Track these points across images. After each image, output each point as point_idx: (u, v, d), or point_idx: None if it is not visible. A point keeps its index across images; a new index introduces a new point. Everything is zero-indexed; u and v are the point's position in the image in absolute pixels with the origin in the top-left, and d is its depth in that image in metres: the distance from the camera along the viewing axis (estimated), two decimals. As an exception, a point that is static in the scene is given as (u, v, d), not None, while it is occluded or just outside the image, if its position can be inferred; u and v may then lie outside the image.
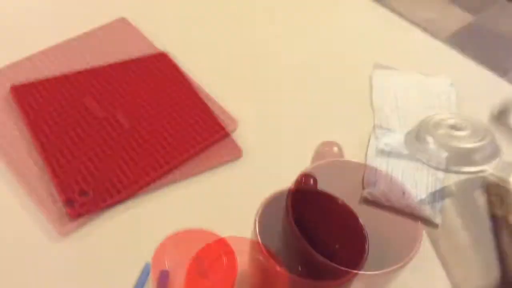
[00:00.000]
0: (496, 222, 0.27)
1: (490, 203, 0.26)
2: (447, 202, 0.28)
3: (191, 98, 0.63)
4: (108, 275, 0.49)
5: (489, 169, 0.26)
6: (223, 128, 0.60)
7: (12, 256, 0.49)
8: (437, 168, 0.26)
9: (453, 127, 0.28)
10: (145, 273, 0.48)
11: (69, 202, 0.52)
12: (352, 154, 0.51)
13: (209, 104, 0.62)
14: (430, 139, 0.28)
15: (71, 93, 0.60)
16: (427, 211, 0.58)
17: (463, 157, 0.26)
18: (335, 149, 0.47)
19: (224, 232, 0.42)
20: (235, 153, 0.59)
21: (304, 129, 0.63)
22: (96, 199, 0.52)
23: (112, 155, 0.56)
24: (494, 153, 0.27)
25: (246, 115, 0.63)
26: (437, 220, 0.59)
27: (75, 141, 0.56)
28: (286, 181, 0.44)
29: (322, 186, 0.47)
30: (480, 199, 0.26)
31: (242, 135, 0.61)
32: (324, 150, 0.47)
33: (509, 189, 0.25)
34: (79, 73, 0.63)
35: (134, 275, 0.49)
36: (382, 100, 0.67)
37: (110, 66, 0.64)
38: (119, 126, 0.58)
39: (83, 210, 0.51)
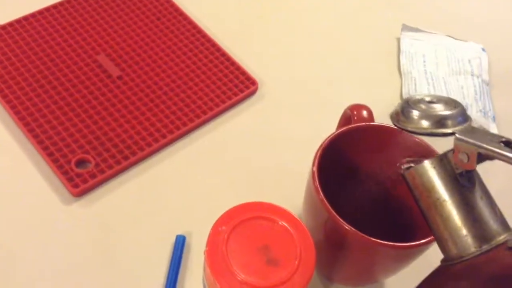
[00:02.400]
0: (469, 175, 0.32)
1: (458, 160, 0.31)
2: (426, 163, 0.33)
3: (214, 53, 0.60)
4: (125, 241, 0.47)
5: (458, 131, 0.32)
6: (254, 82, 0.58)
7: (23, 215, 0.47)
8: (418, 133, 0.34)
9: (430, 102, 0.35)
10: (178, 246, 0.46)
11: (81, 163, 0.50)
12: (379, 120, 0.49)
13: (229, 63, 0.59)
14: (415, 112, 0.34)
15: (85, 50, 0.58)
16: (480, 120, 0.58)
17: (439, 123, 0.33)
18: (365, 112, 0.44)
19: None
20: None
21: (330, 93, 0.60)
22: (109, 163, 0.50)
23: (128, 114, 0.53)
24: (464, 119, 0.34)
25: (268, 78, 0.60)
26: (492, 129, 0.59)
27: (89, 99, 0.54)
28: (312, 146, 0.41)
29: (352, 151, 0.44)
30: (452, 157, 0.32)
31: (264, 99, 0.58)
32: (352, 114, 0.44)
33: (476, 145, 0.30)
34: (93, 28, 0.60)
35: (152, 239, 0.47)
36: (411, 64, 0.63)
37: (126, 22, 0.61)
38: (138, 84, 0.56)
39: (95, 173, 0.49)
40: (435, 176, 0.33)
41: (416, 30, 0.67)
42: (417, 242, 0.37)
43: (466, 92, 0.61)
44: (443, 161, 0.33)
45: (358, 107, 0.45)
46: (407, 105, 0.35)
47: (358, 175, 0.46)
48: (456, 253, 0.32)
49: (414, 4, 0.72)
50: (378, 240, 0.37)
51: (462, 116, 0.33)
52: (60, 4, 0.61)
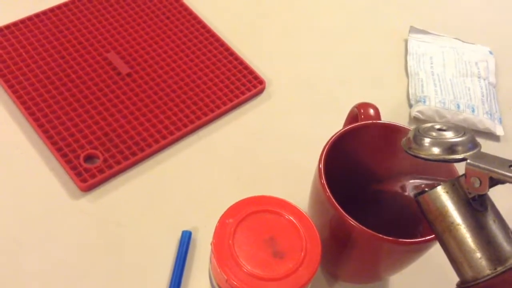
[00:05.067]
0: (482, 199, 0.34)
1: (470, 185, 0.33)
2: (439, 189, 0.35)
3: (222, 52, 0.60)
4: (131, 236, 0.47)
5: (469, 157, 0.33)
6: (262, 82, 0.59)
7: (32, 209, 0.47)
8: (431, 160, 0.35)
9: (440, 129, 0.36)
10: (184, 241, 0.46)
11: (89, 159, 0.51)
12: (385, 119, 0.49)
13: (237, 63, 0.60)
14: (426, 140, 0.35)
15: (95, 48, 0.58)
16: (487, 122, 0.58)
17: (450, 149, 0.34)
18: (371, 110, 0.45)
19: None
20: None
21: (337, 92, 0.60)
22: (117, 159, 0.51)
23: (137, 111, 0.54)
24: (473, 145, 0.34)
25: (275, 77, 0.60)
26: (498, 131, 0.59)
27: (98, 95, 0.54)
28: (319, 144, 0.42)
29: (358, 149, 0.45)
30: (463, 182, 0.34)
31: (271, 98, 0.59)
32: (359, 112, 0.44)
33: (487, 169, 0.31)
34: (103, 26, 0.60)
35: (159, 234, 0.47)
36: (418, 65, 0.64)
37: (136, 21, 0.62)
38: (147, 81, 0.56)
39: (104, 168, 0.50)
40: (448, 201, 0.34)
41: (424, 32, 0.67)
42: (422, 239, 0.37)
43: (472, 94, 0.61)
44: (455, 186, 0.34)
45: (365, 105, 0.45)
46: (418, 133, 0.36)
47: (364, 173, 0.46)
48: (471, 275, 0.33)
49: (422, 6, 0.72)
50: (384, 236, 0.37)
51: (472, 142, 0.34)
52: (71, 2, 0.62)
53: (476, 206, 0.33)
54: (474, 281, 0.32)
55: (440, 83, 0.62)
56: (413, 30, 0.67)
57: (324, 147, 0.41)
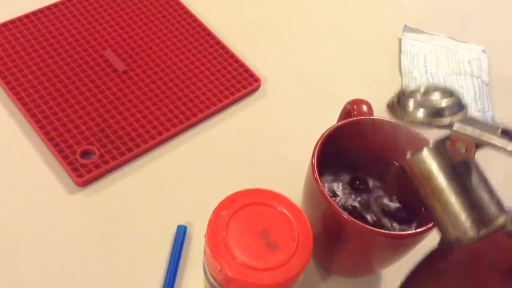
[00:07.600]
0: (466, 164, 0.33)
1: (455, 150, 0.32)
2: (423, 152, 0.34)
3: (218, 50, 0.61)
4: (127, 230, 0.48)
5: (455, 121, 0.32)
6: (257, 80, 0.59)
7: (29, 204, 0.48)
8: (414, 123, 0.33)
9: (425, 92, 0.34)
10: (180, 235, 0.47)
11: (86, 154, 0.51)
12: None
13: (233, 61, 0.60)
14: (411, 102, 0.33)
15: (92, 45, 0.59)
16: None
17: (435, 112, 0.32)
18: (364, 107, 0.45)
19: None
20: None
21: (331, 91, 0.61)
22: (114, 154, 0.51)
23: (133, 107, 0.54)
24: (460, 108, 0.33)
25: (271, 75, 0.61)
26: None
27: (95, 92, 0.55)
28: (313, 141, 0.42)
29: (351, 144, 0.45)
30: (449, 146, 0.33)
31: (267, 95, 0.59)
32: (352, 108, 0.45)
33: (474, 137, 0.31)
34: (100, 24, 0.61)
35: (154, 228, 0.48)
36: (411, 64, 0.64)
37: (133, 19, 0.62)
38: (143, 78, 0.57)
39: (100, 163, 0.50)
40: (433, 165, 0.33)
41: (418, 31, 0.68)
42: (413, 231, 0.38)
43: (465, 92, 0.62)
44: (439, 150, 0.33)
45: (358, 102, 0.46)
46: (402, 95, 0.34)
47: (357, 168, 0.47)
48: (455, 237, 0.33)
49: (416, 6, 0.73)
50: (375, 229, 0.38)
51: (458, 105, 0.33)
52: (69, 0, 0.62)
53: (460, 169, 0.33)
54: (457, 243, 0.32)
55: (433, 81, 0.62)
56: (406, 29, 0.68)
57: (317, 142, 0.42)
